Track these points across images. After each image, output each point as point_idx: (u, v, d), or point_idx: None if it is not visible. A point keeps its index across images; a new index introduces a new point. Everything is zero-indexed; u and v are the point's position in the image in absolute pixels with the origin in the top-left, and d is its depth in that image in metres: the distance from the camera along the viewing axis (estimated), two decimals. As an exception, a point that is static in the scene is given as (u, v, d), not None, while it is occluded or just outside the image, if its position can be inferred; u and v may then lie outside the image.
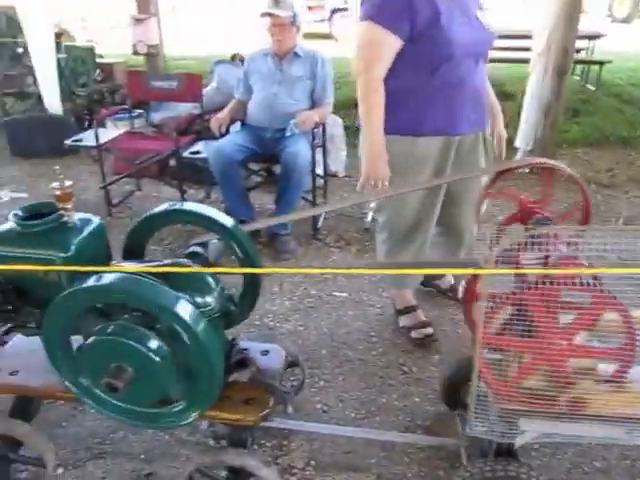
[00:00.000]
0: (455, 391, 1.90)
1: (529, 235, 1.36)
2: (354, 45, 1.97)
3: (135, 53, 4.37)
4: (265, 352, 1.73)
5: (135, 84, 3.73)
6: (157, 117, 4.26)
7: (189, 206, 1.72)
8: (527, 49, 4.79)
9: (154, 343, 1.31)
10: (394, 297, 2.54)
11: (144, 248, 1.75)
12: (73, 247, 1.46)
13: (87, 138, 3.58)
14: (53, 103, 4.72)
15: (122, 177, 3.74)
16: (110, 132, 3.88)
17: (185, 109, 4.21)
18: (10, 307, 1.48)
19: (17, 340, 1.70)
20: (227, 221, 1.66)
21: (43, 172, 4.39)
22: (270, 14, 2.97)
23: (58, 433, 1.87)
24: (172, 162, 3.97)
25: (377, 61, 1.89)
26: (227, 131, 3.23)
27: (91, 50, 5.53)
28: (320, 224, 3.39)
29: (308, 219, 3.42)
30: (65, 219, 1.50)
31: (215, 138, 3.87)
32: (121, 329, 1.32)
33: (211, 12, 12.77)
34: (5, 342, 1.68)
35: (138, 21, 4.15)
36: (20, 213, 1.54)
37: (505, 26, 7.51)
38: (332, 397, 2.08)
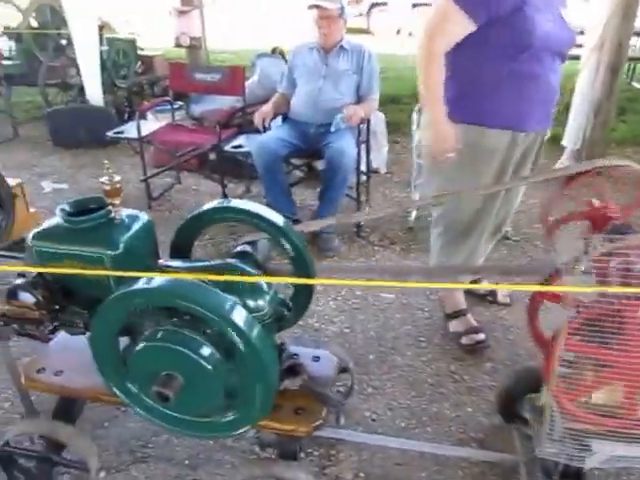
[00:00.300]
0: (512, 403, 1.78)
1: (614, 245, 1.23)
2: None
3: (177, 45, 4.32)
4: (316, 358, 1.63)
5: (177, 76, 3.67)
6: (197, 109, 4.20)
7: (238, 204, 1.62)
8: (579, 45, 4.60)
9: (206, 350, 1.23)
10: (443, 299, 2.42)
11: (191, 246, 1.67)
12: (122, 245, 1.38)
13: (129, 130, 3.54)
14: (95, 95, 4.71)
15: (163, 170, 3.70)
16: (151, 124, 3.84)
17: (225, 102, 4.14)
18: (56, 306, 1.41)
19: (62, 338, 1.64)
20: (279, 220, 1.56)
21: (84, 163, 4.39)
22: (318, 6, 2.86)
23: (100, 434, 1.81)
24: (212, 155, 3.93)
25: (440, 36, 1.77)
26: (269, 125, 3.14)
27: (133, 42, 5.52)
28: (363, 221, 3.27)
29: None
30: (113, 215, 1.43)
31: (257, 132, 3.80)
32: (171, 335, 1.24)
33: (251, 5, 12.71)
34: (50, 339, 1.62)
35: (181, 13, 4.09)
36: (67, 208, 1.48)
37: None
38: (381, 405, 1.97)
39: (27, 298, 1.41)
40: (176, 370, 1.22)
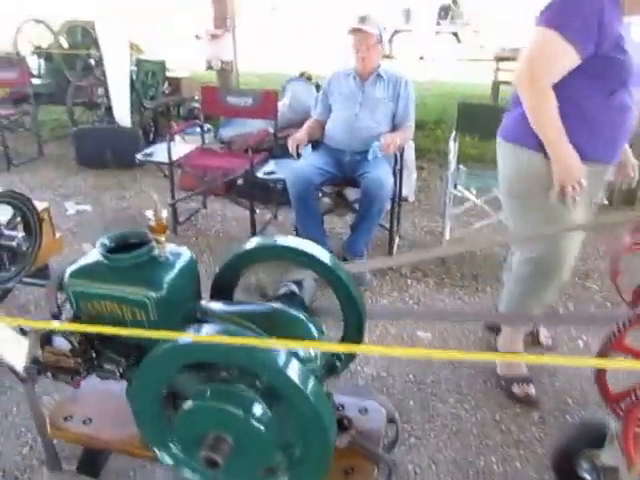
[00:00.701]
0: (569, 460, 1.63)
1: None
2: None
3: (209, 68, 4.28)
4: (364, 410, 1.51)
5: (209, 99, 3.62)
6: (226, 133, 4.14)
7: (285, 241, 1.51)
8: None
9: (258, 409, 1.11)
10: (499, 340, 2.29)
11: (234, 286, 1.56)
12: (166, 285, 1.28)
13: (158, 153, 3.47)
14: (123, 115, 4.68)
15: (193, 194, 3.62)
16: (179, 147, 3.77)
17: (254, 126, 4.08)
18: (92, 353, 1.31)
19: (91, 382, 1.54)
20: (328, 258, 1.44)
21: (108, 184, 4.33)
22: (359, 30, 2.79)
23: (126, 484, 1.69)
24: (239, 180, 3.85)
25: (549, 75, 1.68)
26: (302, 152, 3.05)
27: (162, 64, 5.51)
28: (394, 252, 3.16)
29: (383, 246, 3.21)
30: (157, 252, 1.33)
31: (288, 157, 3.73)
32: (221, 393, 1.13)
33: (277, 28, 12.82)
34: (79, 384, 1.52)
35: (214, 36, 4.06)
36: (107, 243, 1.38)
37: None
38: (424, 457, 1.83)
39: (62, 344, 1.31)
40: (226, 431, 1.11)
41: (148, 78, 5.30)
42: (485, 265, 3.07)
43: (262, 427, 1.09)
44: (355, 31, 2.84)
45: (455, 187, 2.96)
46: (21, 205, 2.35)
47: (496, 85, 6.95)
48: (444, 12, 11.27)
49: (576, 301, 2.73)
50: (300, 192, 2.82)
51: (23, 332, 1.50)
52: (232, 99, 3.54)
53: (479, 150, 4.98)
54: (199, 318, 1.37)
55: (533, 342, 2.42)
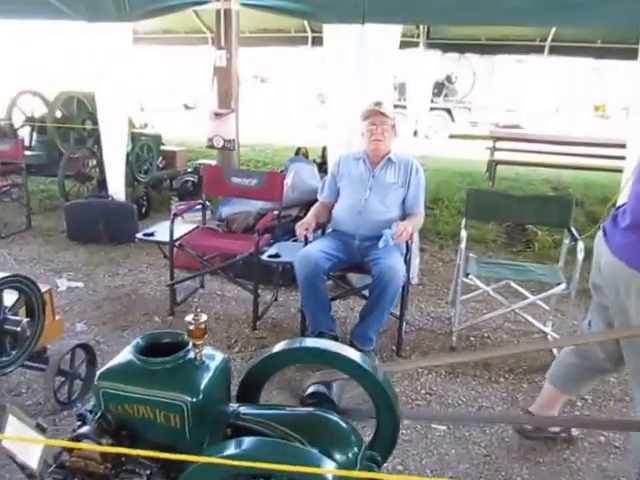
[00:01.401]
0: None
1: None
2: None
3: (210, 147, 4.46)
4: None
5: (213, 179, 3.75)
6: (225, 212, 4.26)
7: (316, 344, 1.57)
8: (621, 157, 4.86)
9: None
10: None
11: (261, 389, 1.60)
12: (203, 390, 1.33)
13: (159, 232, 3.55)
14: (118, 189, 4.80)
15: (195, 276, 3.68)
16: (179, 226, 3.85)
17: (254, 205, 4.21)
18: (122, 458, 1.33)
19: None
20: (360, 358, 1.50)
21: (100, 260, 4.38)
22: (377, 113, 2.98)
23: None
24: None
25: None
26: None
27: (158, 138, 5.72)
28: (403, 339, 3.22)
29: (389, 332, 3.26)
30: (194, 356, 1.38)
31: (289, 238, 3.84)
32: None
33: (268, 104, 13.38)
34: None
35: (217, 115, 4.26)
36: (141, 343, 1.43)
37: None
38: None
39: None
40: None
41: (144, 152, 5.49)
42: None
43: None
44: (372, 115, 3.01)
45: (467, 276, 3.07)
46: (27, 289, 2.40)
47: (493, 164, 7.28)
48: (438, 89, 11.96)
49: (594, 394, 2.79)
50: (308, 276, 2.89)
51: (41, 429, 1.51)
52: (236, 179, 3.68)
53: (480, 231, 5.17)
54: (231, 422, 1.41)
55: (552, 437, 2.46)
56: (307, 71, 16.10)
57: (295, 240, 4.00)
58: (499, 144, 7.50)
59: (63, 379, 2.53)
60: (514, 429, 2.45)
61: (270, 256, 3.26)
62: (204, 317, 1.37)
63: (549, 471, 2.24)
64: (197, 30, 7.91)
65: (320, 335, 2.93)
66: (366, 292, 3.15)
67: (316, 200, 4.20)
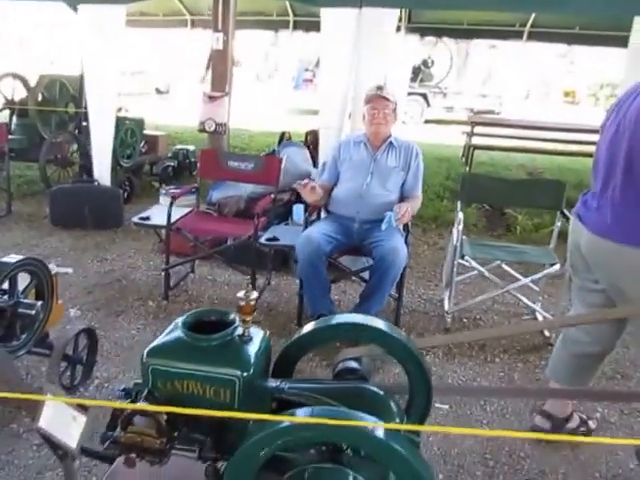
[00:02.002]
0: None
1: None
2: None
3: (202, 130, 4.45)
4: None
5: (208, 163, 3.76)
6: (216, 196, 4.27)
7: (353, 319, 1.65)
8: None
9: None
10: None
11: (295, 365, 1.67)
12: (253, 365, 1.39)
13: (154, 217, 3.57)
14: (103, 174, 4.76)
15: (189, 260, 3.70)
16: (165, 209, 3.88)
17: (245, 189, 4.23)
18: (175, 433, 1.38)
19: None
20: (402, 336, 1.59)
21: (87, 246, 4.34)
22: (379, 97, 3.04)
23: None
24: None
25: None
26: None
27: (141, 122, 5.66)
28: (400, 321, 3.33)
29: (386, 314, 3.35)
30: (242, 332, 1.44)
31: (279, 223, 3.88)
32: (321, 473, 1.23)
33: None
34: (135, 463, 1.56)
35: (211, 99, 4.25)
36: (188, 320, 1.48)
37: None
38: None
39: (142, 423, 1.38)
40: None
41: (127, 136, 5.43)
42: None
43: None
44: (374, 99, 3.07)
45: (463, 257, 3.19)
46: (39, 272, 2.41)
47: (470, 149, 7.44)
48: (414, 74, 12.08)
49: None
50: (311, 259, 2.95)
51: (83, 409, 1.54)
52: (232, 163, 3.70)
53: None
54: (276, 397, 1.48)
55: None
56: (284, 55, 16.06)
57: (287, 224, 4.07)
58: (477, 129, 7.66)
59: (66, 364, 2.54)
60: (532, 430, 2.47)
61: (268, 240, 3.31)
62: (255, 294, 1.43)
63: (550, 446, 2.36)
64: (177, 12, 7.82)
65: (320, 318, 3.00)
66: (364, 274, 3.25)
67: (308, 184, 4.29)
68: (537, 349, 3.15)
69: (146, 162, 5.99)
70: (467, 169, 7.49)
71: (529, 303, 3.37)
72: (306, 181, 3.00)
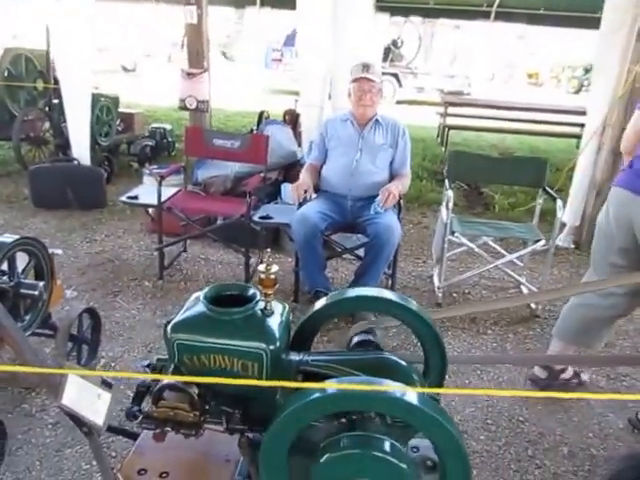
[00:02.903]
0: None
1: None
2: None
3: (183, 108, 4.34)
4: (415, 449, 1.63)
5: (194, 141, 3.70)
6: (201, 175, 4.21)
7: (369, 292, 1.66)
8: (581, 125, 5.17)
9: (395, 449, 1.24)
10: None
11: (313, 338, 1.67)
12: (278, 337, 1.39)
13: (143, 196, 3.50)
14: (83, 153, 4.64)
15: (182, 239, 3.66)
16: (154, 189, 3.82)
17: (231, 168, 4.19)
18: (207, 406, 1.38)
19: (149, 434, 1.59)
20: (416, 307, 1.60)
21: (73, 227, 4.25)
22: (367, 79, 3.04)
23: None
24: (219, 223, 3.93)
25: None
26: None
27: (117, 99, 5.51)
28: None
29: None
30: (265, 306, 1.43)
31: (269, 201, 3.87)
32: (358, 440, 1.25)
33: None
34: (164, 438, 1.56)
35: (190, 75, 4.15)
36: (209, 294, 1.46)
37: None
38: (474, 496, 2.00)
39: (173, 397, 1.37)
40: (367, 476, 1.23)
41: (103, 114, 5.28)
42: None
43: (405, 466, 1.22)
44: (361, 80, 3.06)
45: (453, 234, 3.23)
46: (37, 252, 2.35)
47: (445, 130, 7.48)
48: (384, 54, 12.02)
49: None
50: (307, 237, 2.96)
51: (107, 385, 1.52)
52: (218, 141, 3.65)
53: (440, 195, 5.37)
54: (300, 369, 1.48)
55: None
56: (250, 34, 15.78)
57: (277, 203, 4.05)
58: (450, 110, 7.71)
59: (72, 344, 2.51)
60: (529, 379, 2.66)
61: (261, 218, 3.29)
62: (275, 267, 1.42)
63: (546, 409, 2.47)
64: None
65: (317, 294, 3.01)
66: (358, 252, 3.27)
67: (294, 163, 4.28)
68: (525, 320, 3.25)
69: (123, 141, 5.84)
70: (443, 150, 7.55)
71: (517, 278, 3.46)
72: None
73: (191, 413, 1.35)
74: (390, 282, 3.33)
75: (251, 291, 1.49)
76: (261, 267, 1.42)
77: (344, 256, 3.64)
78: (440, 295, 3.40)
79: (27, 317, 2.26)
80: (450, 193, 3.27)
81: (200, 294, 1.49)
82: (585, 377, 2.65)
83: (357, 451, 1.23)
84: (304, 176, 3.18)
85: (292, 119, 4.97)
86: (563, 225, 4.35)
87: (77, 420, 1.67)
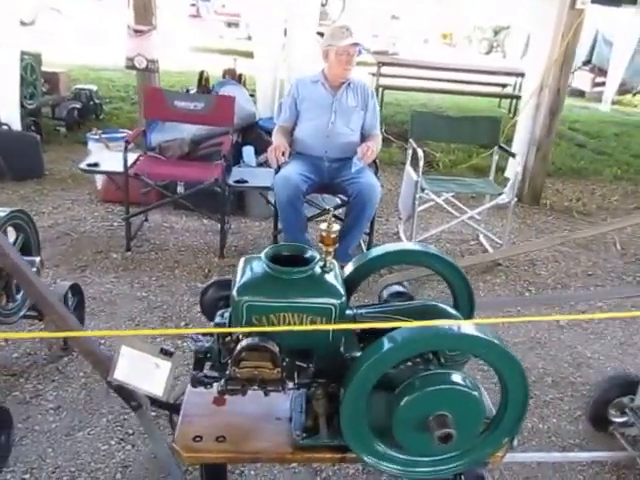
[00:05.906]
0: (604, 409, 2.17)
1: None
2: None
3: (130, 67, 4.16)
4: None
5: (153, 103, 3.61)
6: (155, 139, 4.10)
7: (406, 246, 1.81)
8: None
9: (464, 379, 1.41)
10: None
11: (353, 292, 1.79)
12: (343, 292, 1.50)
13: (104, 163, 3.40)
14: (13, 117, 4.35)
15: (152, 207, 3.57)
16: (110, 154, 3.71)
17: (187, 130, 4.11)
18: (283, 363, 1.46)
19: (194, 400, 1.64)
20: (449, 258, 1.77)
21: (12, 199, 4.01)
22: (353, 43, 3.09)
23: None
24: (179, 189, 3.89)
25: None
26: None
27: (39, 56, 5.18)
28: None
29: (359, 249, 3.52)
30: (323, 263, 1.53)
31: (234, 165, 3.87)
32: (431, 378, 1.40)
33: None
34: (225, 402, 1.62)
35: (137, 32, 3.97)
36: (270, 253, 1.53)
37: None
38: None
39: (254, 357, 1.43)
40: (444, 408, 1.39)
41: (27, 73, 4.96)
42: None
43: (475, 393, 1.40)
44: (345, 44, 3.08)
45: (423, 191, 3.43)
46: (25, 226, 2.28)
47: (380, 90, 7.64)
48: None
49: (535, 286, 3.39)
50: (290, 199, 3.04)
51: (167, 354, 1.55)
52: (180, 103, 3.59)
53: (388, 154, 5.59)
54: (358, 322, 1.61)
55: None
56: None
57: (240, 166, 4.04)
58: (383, 70, 7.87)
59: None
60: None
61: (237, 182, 3.32)
62: (337, 226, 1.51)
63: (525, 347, 2.79)
64: None
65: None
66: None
67: (252, 125, 4.29)
68: (490, 270, 3.55)
69: (49, 103, 5.51)
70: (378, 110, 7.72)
71: (484, 231, 3.75)
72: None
73: (274, 370, 1.43)
74: (368, 240, 3.48)
75: (308, 252, 1.58)
76: (322, 226, 1.52)
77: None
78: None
79: (18, 297, 2.20)
80: (420, 152, 3.45)
81: (259, 256, 1.55)
82: None
83: (434, 388, 1.39)
84: (279, 138, 3.21)
85: (234, 79, 4.92)
86: (507, 180, 4.71)
87: (126, 394, 1.70)
